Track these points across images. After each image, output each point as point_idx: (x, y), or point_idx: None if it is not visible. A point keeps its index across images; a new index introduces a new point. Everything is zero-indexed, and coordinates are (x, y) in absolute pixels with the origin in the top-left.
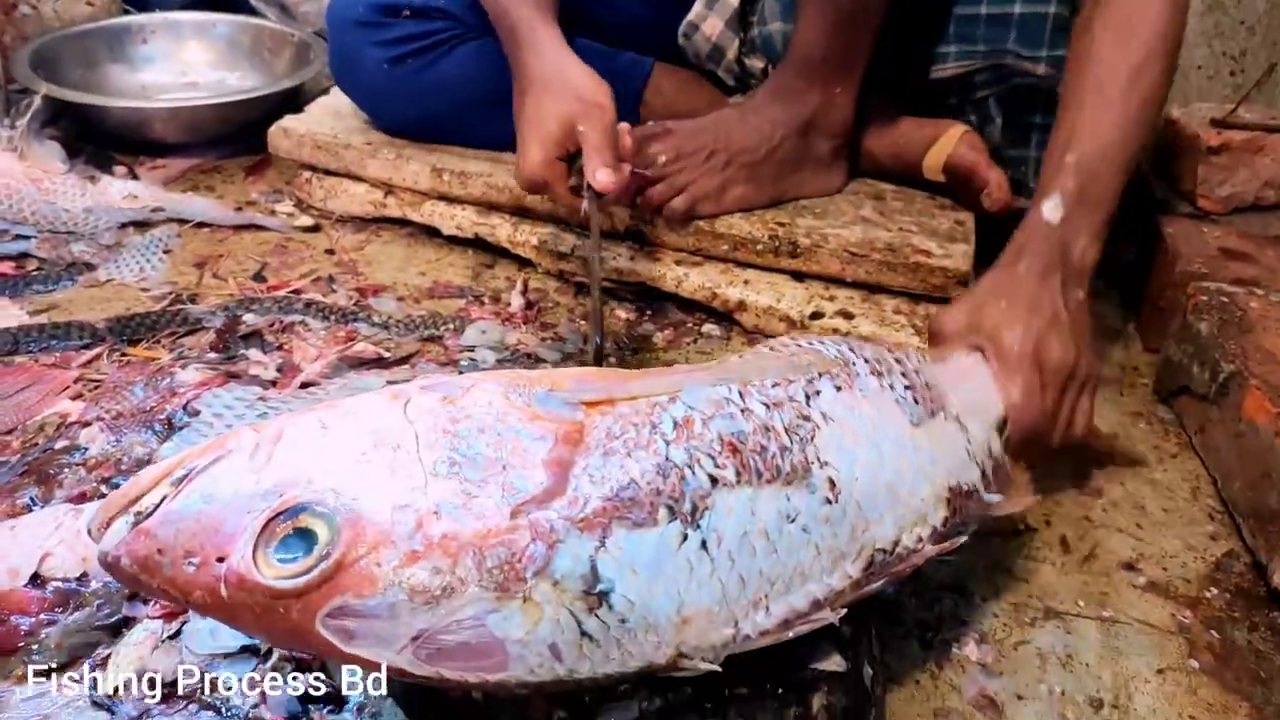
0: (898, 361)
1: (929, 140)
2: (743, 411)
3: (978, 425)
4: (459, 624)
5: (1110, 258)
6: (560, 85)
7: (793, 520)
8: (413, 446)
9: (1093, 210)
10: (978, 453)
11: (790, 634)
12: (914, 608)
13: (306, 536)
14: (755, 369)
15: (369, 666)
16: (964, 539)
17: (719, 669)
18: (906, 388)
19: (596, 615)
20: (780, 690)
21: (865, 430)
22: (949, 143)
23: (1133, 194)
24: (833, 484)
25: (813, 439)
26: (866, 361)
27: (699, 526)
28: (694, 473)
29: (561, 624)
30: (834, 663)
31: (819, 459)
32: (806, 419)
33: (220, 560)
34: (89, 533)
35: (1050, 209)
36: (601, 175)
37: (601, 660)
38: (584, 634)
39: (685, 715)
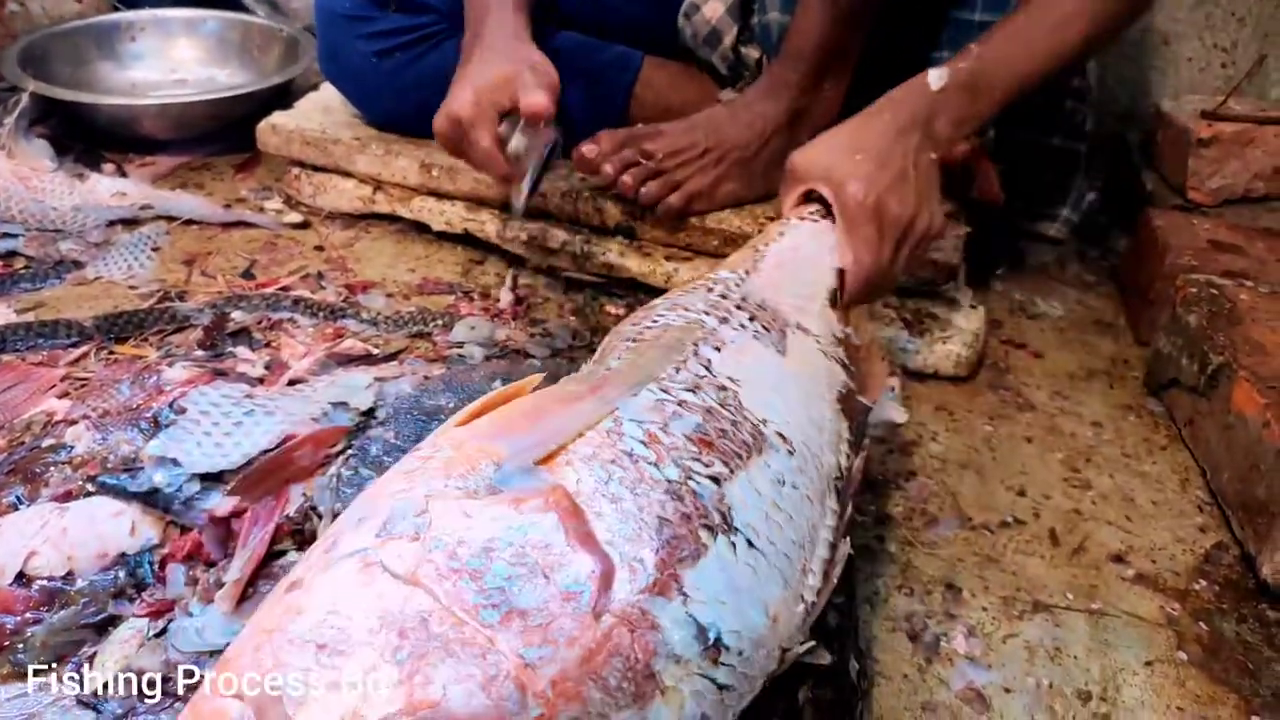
0: (724, 297)
1: None
2: (681, 404)
3: (814, 319)
4: None
5: (1102, 251)
6: (512, 52)
7: (783, 483)
8: (441, 610)
9: (970, 98)
10: (828, 348)
11: (834, 581)
12: (903, 602)
13: None
14: (647, 362)
15: None
16: (867, 445)
17: (814, 643)
18: (751, 319)
19: (722, 664)
20: (766, 683)
21: (760, 378)
22: None
23: (1122, 187)
24: (783, 437)
25: (740, 404)
26: (709, 313)
27: (736, 529)
28: (697, 482)
29: (702, 692)
30: (820, 656)
31: (759, 419)
32: (723, 389)
33: None
34: None
35: (935, 77)
36: (538, 96)
37: (737, 701)
38: (720, 688)
39: None
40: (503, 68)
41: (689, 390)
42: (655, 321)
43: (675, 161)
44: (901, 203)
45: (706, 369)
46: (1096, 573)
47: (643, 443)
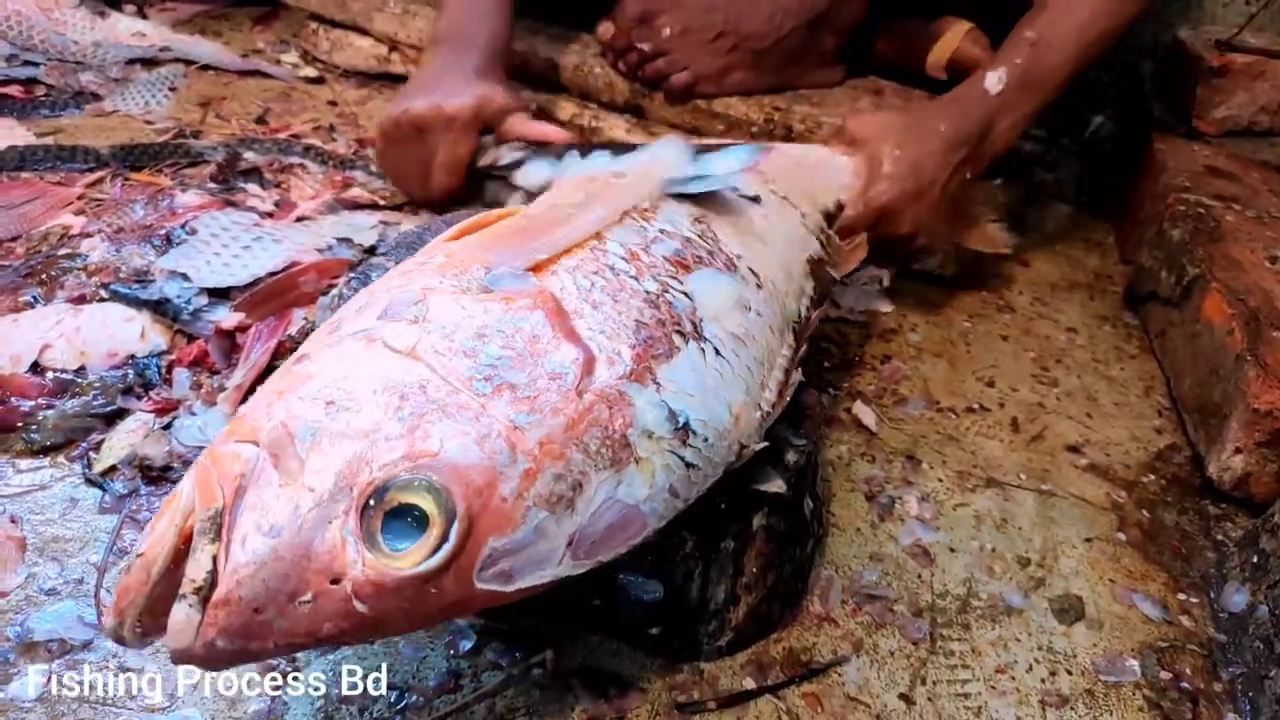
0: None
1: (934, 37)
2: (663, 232)
3: (807, 205)
4: (598, 512)
5: (1103, 175)
6: (490, 75)
7: (749, 309)
8: (438, 380)
9: (1027, 94)
10: (810, 225)
11: (786, 399)
12: (864, 467)
13: (406, 513)
14: (626, 195)
15: (526, 594)
16: (826, 307)
17: (767, 443)
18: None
19: (689, 445)
20: (723, 506)
21: (737, 224)
22: (955, 38)
23: (1132, 114)
24: (754, 272)
25: (716, 239)
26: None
27: (706, 338)
28: (673, 295)
29: (671, 466)
30: (776, 485)
31: (733, 253)
32: (700, 221)
33: (336, 582)
34: (118, 639)
35: (994, 80)
36: (548, 127)
37: (701, 480)
38: (688, 465)
39: None
40: (504, 95)
41: (669, 222)
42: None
43: (686, 41)
44: (911, 222)
45: (687, 208)
46: (1051, 459)
47: (624, 259)
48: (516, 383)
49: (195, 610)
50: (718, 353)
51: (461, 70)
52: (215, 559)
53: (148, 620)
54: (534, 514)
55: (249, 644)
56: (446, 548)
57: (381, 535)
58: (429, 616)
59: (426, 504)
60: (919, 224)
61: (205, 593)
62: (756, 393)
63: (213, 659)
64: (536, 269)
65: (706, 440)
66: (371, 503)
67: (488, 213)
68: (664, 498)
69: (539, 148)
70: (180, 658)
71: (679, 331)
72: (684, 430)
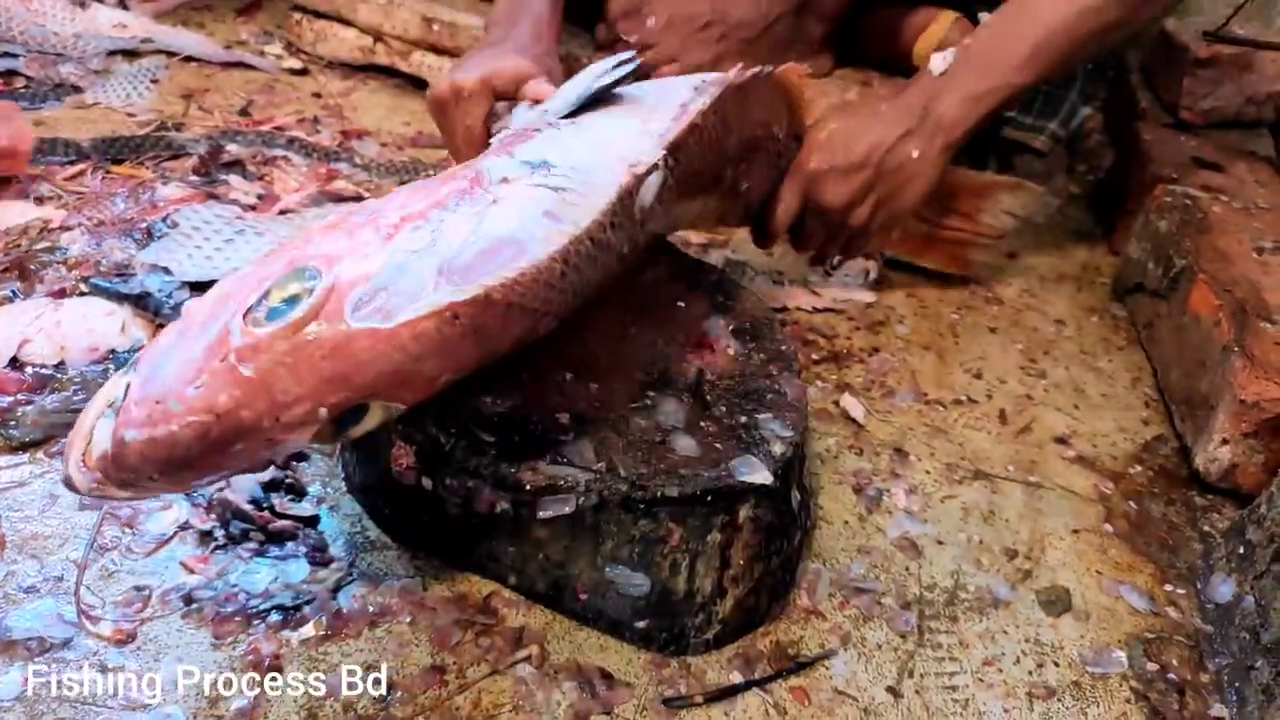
0: None
1: (921, 27)
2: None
3: None
4: (465, 245)
5: (1090, 167)
6: (532, 47)
7: (611, 104)
8: (321, 237)
9: (976, 71)
10: None
11: (688, 120)
12: (852, 460)
13: (285, 305)
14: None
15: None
16: None
17: (664, 152)
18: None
19: (554, 175)
20: (710, 498)
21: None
22: (940, 29)
23: (1118, 106)
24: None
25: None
26: None
27: (561, 124)
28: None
29: (538, 197)
30: (762, 477)
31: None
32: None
33: (223, 360)
34: (66, 483)
35: (938, 61)
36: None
37: (583, 200)
38: (557, 190)
39: (619, 513)
40: (519, 63)
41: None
42: None
43: (673, 32)
44: (838, 194)
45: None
46: (1039, 450)
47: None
48: (385, 210)
49: (110, 419)
50: (574, 123)
51: (491, 46)
52: (129, 386)
53: (89, 461)
54: (393, 255)
55: (154, 431)
56: (310, 299)
57: (264, 314)
58: (320, 372)
59: (297, 286)
60: (848, 199)
61: (119, 404)
62: (640, 123)
63: (131, 459)
64: None
65: (573, 168)
66: (255, 305)
67: None
68: (539, 222)
69: None
70: (107, 464)
71: (537, 130)
72: (542, 167)
